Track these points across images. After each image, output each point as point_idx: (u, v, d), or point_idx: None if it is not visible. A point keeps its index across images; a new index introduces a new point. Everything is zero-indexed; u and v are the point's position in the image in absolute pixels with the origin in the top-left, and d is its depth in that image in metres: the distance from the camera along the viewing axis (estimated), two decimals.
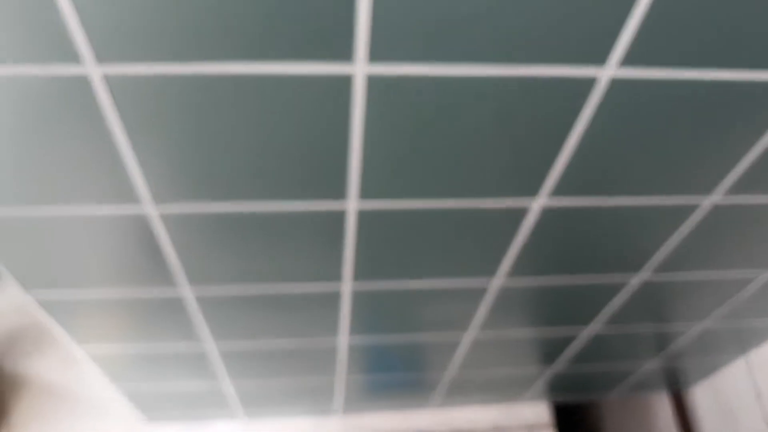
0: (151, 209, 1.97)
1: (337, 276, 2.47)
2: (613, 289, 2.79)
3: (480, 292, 2.70)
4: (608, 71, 1.62)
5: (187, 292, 2.49)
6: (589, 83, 1.65)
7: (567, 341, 3.35)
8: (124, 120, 1.63)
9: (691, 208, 2.23)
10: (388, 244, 2.28)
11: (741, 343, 3.63)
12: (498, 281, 2.61)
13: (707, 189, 2.13)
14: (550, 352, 3.49)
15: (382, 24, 1.42)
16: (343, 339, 3.07)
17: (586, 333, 3.25)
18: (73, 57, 1.45)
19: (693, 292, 2.90)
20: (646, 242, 2.42)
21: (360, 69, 1.54)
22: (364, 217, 2.11)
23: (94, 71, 1.49)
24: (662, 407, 4.67)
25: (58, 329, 2.73)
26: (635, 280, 2.71)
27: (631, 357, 3.72)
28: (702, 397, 4.35)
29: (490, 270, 2.52)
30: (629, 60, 1.59)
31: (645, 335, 3.36)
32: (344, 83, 1.58)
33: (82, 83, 1.52)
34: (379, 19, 1.41)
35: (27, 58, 1.44)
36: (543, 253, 2.43)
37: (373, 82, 1.58)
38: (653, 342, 3.49)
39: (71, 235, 2.09)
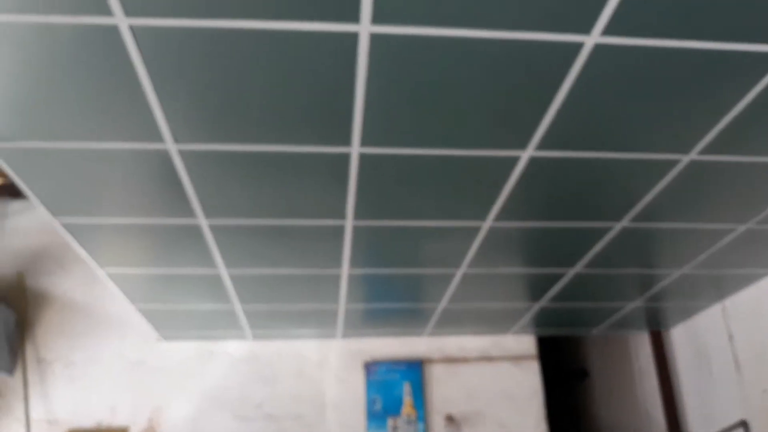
0: (171, 146, 2.16)
1: (340, 213, 2.68)
2: (597, 234, 2.99)
3: (472, 232, 2.90)
4: (593, 39, 1.76)
5: (202, 221, 2.70)
6: (575, 48, 1.80)
7: (553, 280, 3.58)
8: (148, 67, 1.80)
9: (670, 164, 2.40)
10: (387, 187, 2.48)
11: (719, 290, 3.85)
12: (489, 223, 2.82)
13: (685, 148, 2.29)
14: (536, 289, 3.73)
15: None
16: (345, 269, 3.30)
17: (571, 273, 3.47)
18: (105, 10, 1.60)
19: (673, 241, 3.10)
20: (627, 193, 2.61)
21: (365, 29, 1.69)
22: (365, 160, 2.29)
23: (123, 22, 1.65)
24: (642, 345, 4.94)
25: (81, 251, 2.97)
26: (617, 227, 2.90)
27: (614, 298, 3.96)
28: (679, 337, 4.62)
29: (482, 213, 2.72)
30: (611, 30, 1.73)
31: (627, 278, 3.59)
32: (350, 40, 1.74)
33: (112, 33, 1.68)
34: None
35: (64, 10, 1.60)
36: (531, 199, 2.62)
37: (376, 40, 1.74)
38: (635, 284, 3.71)
39: (98, 168, 2.29)
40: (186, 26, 1.66)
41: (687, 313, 4.37)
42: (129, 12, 1.61)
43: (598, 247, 3.14)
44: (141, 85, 1.87)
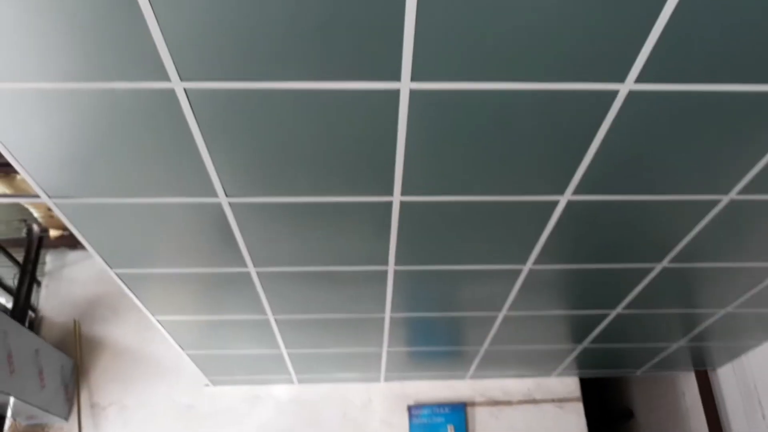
0: (223, 200, 2.28)
1: (383, 259, 2.75)
2: (638, 275, 2.99)
3: (513, 275, 2.94)
4: (627, 86, 1.83)
5: (251, 269, 2.80)
6: (610, 96, 1.86)
7: (595, 321, 3.57)
8: (202, 127, 1.92)
9: (709, 204, 2.41)
10: (428, 233, 2.55)
11: (766, 328, 3.78)
12: (529, 266, 2.85)
13: (724, 188, 2.31)
14: (578, 330, 3.72)
15: (424, 51, 1.67)
16: (388, 313, 3.36)
17: (613, 314, 3.46)
18: (162, 76, 1.73)
19: (716, 280, 3.07)
20: (667, 234, 2.62)
21: (405, 86, 1.79)
22: (406, 208, 2.37)
23: (178, 86, 1.77)
24: (688, 385, 4.83)
25: (135, 300, 3.09)
26: (658, 268, 2.91)
27: (657, 338, 3.91)
28: (727, 377, 4.51)
29: (522, 256, 2.76)
30: (644, 77, 1.79)
31: (670, 318, 3.55)
32: (392, 97, 1.83)
33: (169, 96, 1.81)
34: (421, 47, 1.65)
35: (126, 77, 1.73)
36: (571, 242, 2.65)
37: (416, 96, 1.83)
38: (678, 325, 3.67)
39: (153, 221, 2.42)
40: (236, 88, 1.78)
41: (735, 352, 4.28)
42: (184, 77, 1.74)
43: (639, 288, 3.13)
44: (195, 144, 1.99)
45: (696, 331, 3.80)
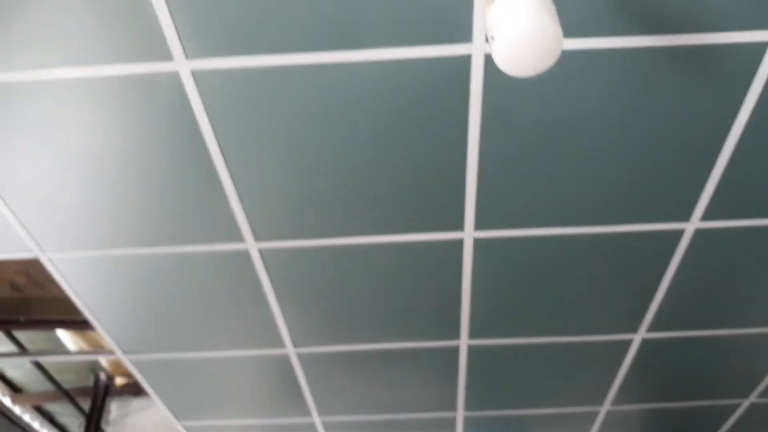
0: (291, 350, 2.29)
1: (451, 405, 2.67)
2: (724, 413, 2.81)
3: (589, 418, 2.80)
4: (692, 225, 1.82)
5: (316, 419, 2.76)
6: (677, 235, 1.85)
7: None
8: (273, 282, 1.97)
9: None
10: (497, 376, 2.48)
11: None
12: (606, 407, 2.72)
13: None
14: None
15: (486, 204, 1.71)
16: None
17: None
18: (238, 238, 1.81)
19: None
20: (750, 368, 2.49)
21: (468, 235, 1.82)
22: (474, 351, 2.33)
23: (253, 247, 1.85)
24: None
25: None
26: (746, 404, 2.73)
27: None
28: None
29: (598, 397, 2.64)
30: (710, 215, 1.78)
31: None
32: (456, 246, 1.86)
33: (244, 256, 1.88)
34: (483, 200, 1.70)
35: (201, 240, 1.82)
36: (649, 380, 2.54)
37: (479, 243, 1.86)
38: None
39: (221, 374, 2.43)
40: (306, 246, 1.84)
41: None
42: (258, 237, 1.81)
43: (726, 426, 2.93)
44: (266, 299, 2.04)
45: None
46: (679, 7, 1.25)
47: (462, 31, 1.29)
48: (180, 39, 1.29)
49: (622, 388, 2.58)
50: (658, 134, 1.53)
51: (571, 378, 2.52)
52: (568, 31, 1.30)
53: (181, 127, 1.47)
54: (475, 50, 1.32)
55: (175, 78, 1.36)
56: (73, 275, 1.93)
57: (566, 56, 1.34)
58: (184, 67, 1.34)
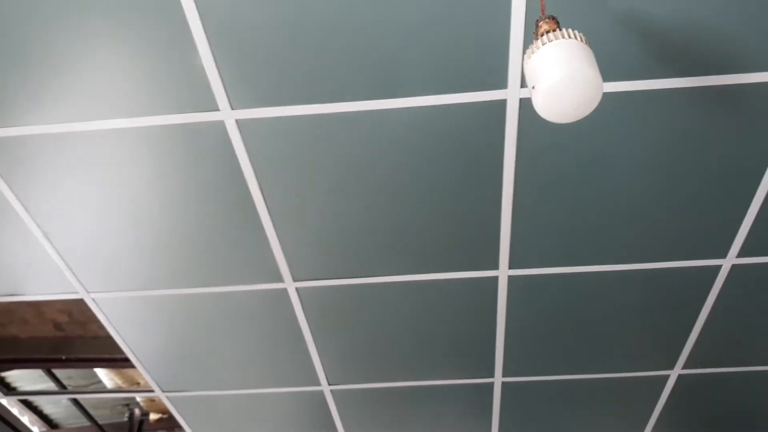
0: (326, 388, 2.31)
1: None
2: None
3: None
4: (729, 261, 1.81)
5: None
6: (713, 271, 1.85)
7: None
8: (309, 322, 2.00)
9: None
10: (532, 412, 2.47)
11: None
12: None
13: None
14: None
15: (520, 243, 1.73)
16: None
17: None
18: (277, 278, 1.85)
19: None
20: None
21: (503, 273, 1.84)
22: (508, 388, 2.32)
23: (291, 286, 1.88)
24: None
25: None
26: None
27: None
28: None
29: None
30: (746, 252, 1.78)
31: None
32: (491, 285, 1.88)
33: (282, 296, 1.92)
34: (517, 239, 1.72)
35: (241, 281, 1.86)
36: (687, 415, 2.50)
37: (514, 281, 1.87)
38: None
39: (256, 410, 2.46)
40: (342, 285, 1.87)
41: None
42: (296, 277, 1.85)
43: None
44: (303, 337, 2.07)
45: None
46: (716, 48, 1.27)
47: (498, 78, 1.32)
48: (226, 90, 1.34)
49: (659, 422, 2.54)
50: (695, 172, 1.54)
51: (606, 415, 2.50)
52: (607, 76, 1.33)
53: (225, 174, 1.52)
54: (510, 95, 1.36)
55: (220, 127, 1.41)
56: (115, 315, 1.98)
57: (603, 98, 1.37)
58: (229, 116, 1.39)
